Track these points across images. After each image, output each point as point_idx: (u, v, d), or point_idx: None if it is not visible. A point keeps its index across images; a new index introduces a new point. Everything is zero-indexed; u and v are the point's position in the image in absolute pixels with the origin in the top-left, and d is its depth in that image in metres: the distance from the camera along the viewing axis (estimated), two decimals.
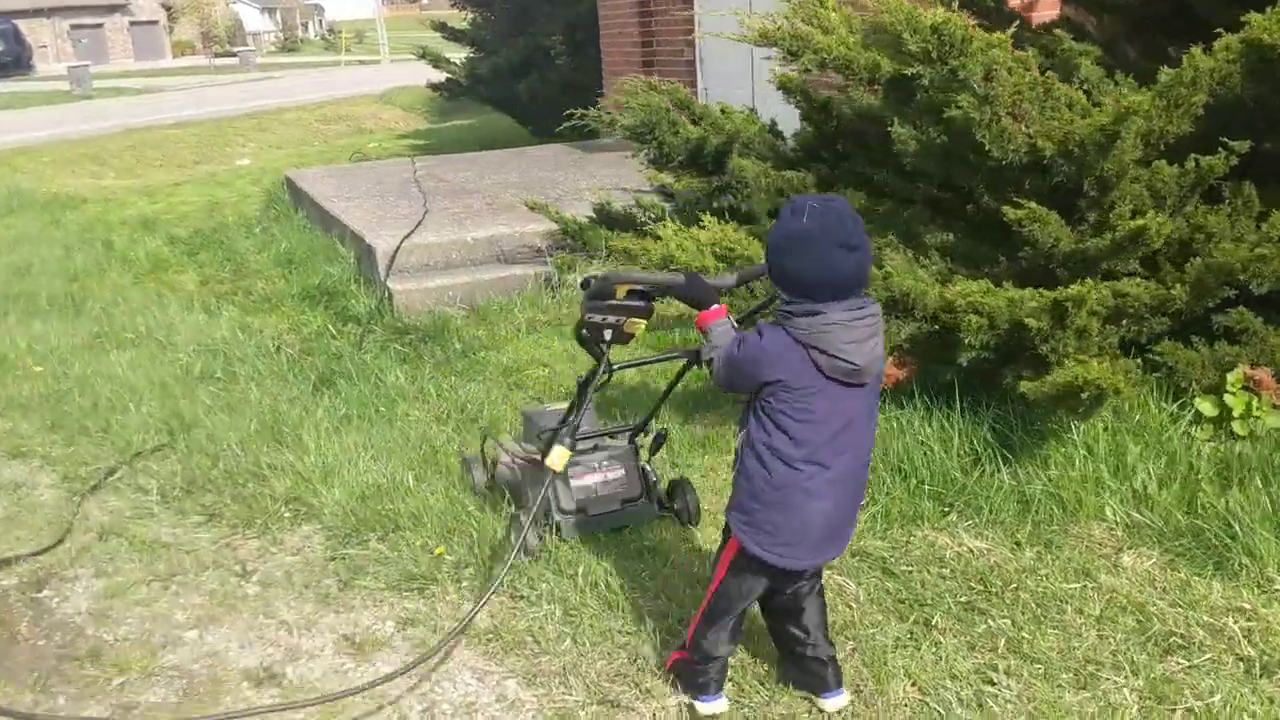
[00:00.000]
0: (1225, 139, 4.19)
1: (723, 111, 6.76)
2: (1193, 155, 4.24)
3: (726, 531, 2.98)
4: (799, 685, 3.12)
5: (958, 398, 4.34)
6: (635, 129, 6.24)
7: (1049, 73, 4.29)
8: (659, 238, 4.32)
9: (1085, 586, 3.56)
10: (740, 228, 4.90)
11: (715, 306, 2.95)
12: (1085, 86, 4.62)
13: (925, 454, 4.22)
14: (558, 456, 3.41)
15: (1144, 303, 4.07)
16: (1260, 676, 3.09)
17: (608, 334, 3.37)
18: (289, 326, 7.06)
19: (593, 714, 3.18)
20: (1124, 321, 4.17)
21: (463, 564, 3.92)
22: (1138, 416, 4.26)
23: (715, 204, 6.64)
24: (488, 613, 3.64)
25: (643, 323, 3.38)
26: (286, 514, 4.38)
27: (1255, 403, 4.28)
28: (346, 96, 26.03)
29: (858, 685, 3.18)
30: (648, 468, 4.10)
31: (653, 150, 6.43)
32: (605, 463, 4.01)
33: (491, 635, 3.56)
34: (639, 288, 3.30)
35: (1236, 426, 4.26)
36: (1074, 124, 4.06)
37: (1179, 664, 3.18)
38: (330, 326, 6.82)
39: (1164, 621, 3.34)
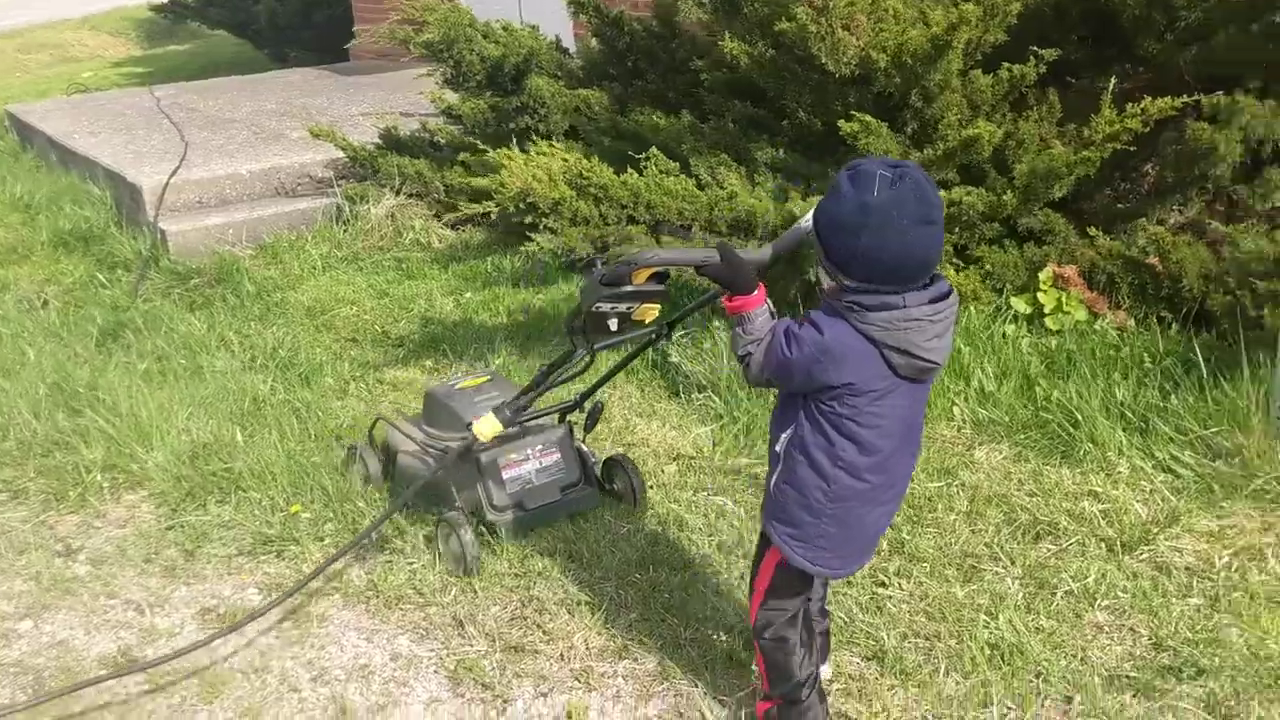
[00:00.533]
0: (1035, 48, 4.38)
1: (505, 29, 6.53)
2: (1005, 64, 4.42)
3: (764, 542, 2.57)
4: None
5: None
6: (434, 46, 5.91)
7: None
8: (501, 167, 4.10)
9: (949, 484, 3.71)
10: (590, 153, 4.69)
11: (755, 292, 2.40)
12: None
13: None
14: (486, 424, 3.08)
15: (978, 210, 4.22)
16: (1123, 554, 3.31)
17: (613, 324, 2.77)
18: (46, 277, 6.37)
19: (498, 661, 3.05)
20: (957, 229, 4.32)
21: (320, 520, 3.67)
22: (962, 320, 4.44)
23: (513, 125, 6.44)
24: (362, 569, 3.42)
25: (658, 307, 2.83)
26: (104, 483, 3.95)
27: (1064, 298, 4.56)
28: (46, 21, 23.55)
29: None
30: (584, 448, 3.67)
31: (449, 69, 6.12)
32: (538, 448, 3.55)
33: (370, 592, 3.35)
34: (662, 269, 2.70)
35: (1049, 322, 4.52)
36: (906, 35, 4.13)
37: (1049, 549, 3.37)
38: (98, 275, 6.18)
39: (1028, 511, 3.53)
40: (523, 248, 4.04)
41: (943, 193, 4.01)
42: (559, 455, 3.57)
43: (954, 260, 4.39)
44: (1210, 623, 3.02)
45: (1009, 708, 2.77)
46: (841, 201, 2.20)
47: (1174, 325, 4.33)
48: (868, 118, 4.28)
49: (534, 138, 5.99)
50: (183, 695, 2.98)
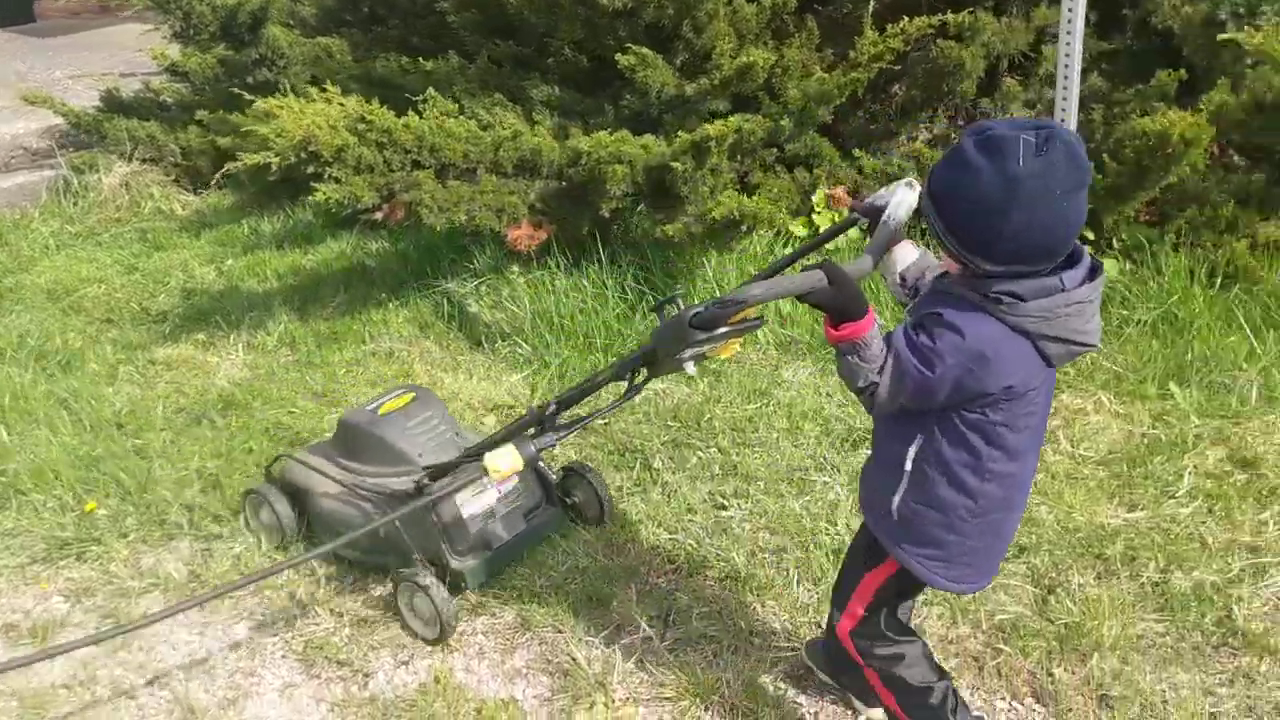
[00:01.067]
0: None
1: None
2: None
3: (874, 557, 2.27)
4: (844, 684, 2.64)
5: (599, 249, 4.38)
6: None
7: None
8: (271, 116, 3.80)
9: (766, 405, 3.81)
10: (370, 98, 4.39)
11: (866, 314, 1.99)
12: None
13: (582, 311, 4.24)
14: (506, 459, 2.42)
15: (759, 138, 4.32)
16: None
17: (690, 367, 2.34)
18: None
19: (349, 636, 2.92)
20: (739, 158, 4.41)
21: (120, 515, 3.37)
22: (743, 245, 4.55)
23: (250, 78, 6.06)
24: (180, 561, 3.18)
25: (739, 342, 2.37)
26: None
27: (837, 218, 4.76)
28: None
29: (609, 538, 3.19)
30: (539, 463, 3.05)
31: (177, 22, 5.66)
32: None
33: (195, 584, 3.11)
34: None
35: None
36: None
37: (865, 455, 3.52)
38: None
39: (841, 421, 3.69)
40: (313, 197, 3.79)
41: (720, 123, 4.06)
42: (520, 482, 3.11)
43: (715, 196, 4.44)
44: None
45: None
46: (977, 176, 1.84)
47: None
48: (644, 50, 4.28)
49: (282, 90, 5.66)
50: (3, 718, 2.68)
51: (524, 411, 3.09)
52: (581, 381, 2.64)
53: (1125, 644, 2.73)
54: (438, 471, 2.86)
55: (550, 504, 3.19)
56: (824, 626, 2.64)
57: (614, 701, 2.64)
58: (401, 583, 2.89)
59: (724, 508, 3.31)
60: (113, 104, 6.28)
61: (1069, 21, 3.87)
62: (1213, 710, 2.55)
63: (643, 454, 3.56)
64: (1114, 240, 4.40)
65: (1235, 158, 4.68)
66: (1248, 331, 3.90)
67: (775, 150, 4.54)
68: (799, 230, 4.71)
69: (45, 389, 4.06)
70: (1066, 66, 3.97)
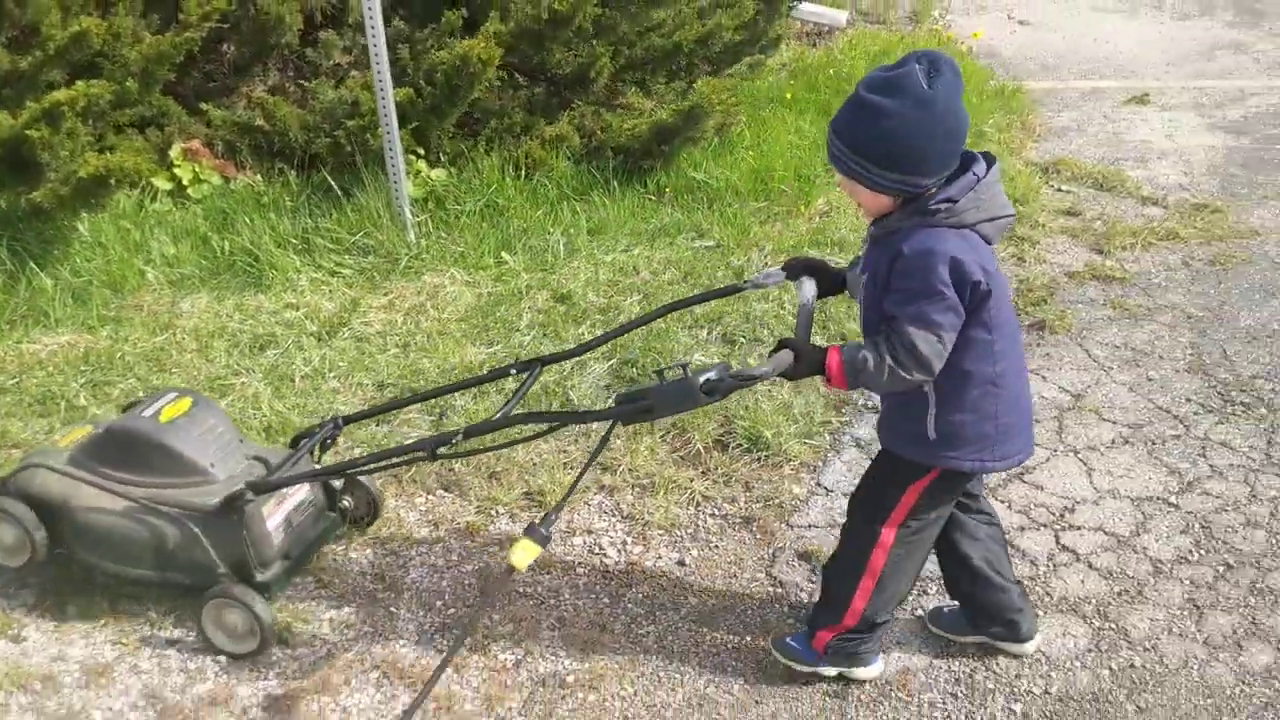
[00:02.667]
0: None
1: None
2: None
3: (913, 472, 2.51)
4: (994, 634, 2.81)
5: None
6: None
7: None
8: None
9: (172, 335, 4.22)
10: None
11: (827, 358, 2.32)
12: None
13: None
14: (524, 555, 2.35)
15: (108, 100, 4.60)
16: (331, 339, 4.18)
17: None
18: None
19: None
20: (90, 121, 4.66)
21: None
22: (117, 206, 4.83)
23: None
24: None
25: None
26: None
27: (199, 169, 5.19)
28: None
29: None
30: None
31: None
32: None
33: None
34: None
35: (191, 191, 5.12)
36: None
37: (276, 352, 4.09)
38: None
39: (247, 332, 4.21)
40: None
41: (68, 89, 4.32)
42: (307, 488, 3.04)
43: (82, 157, 4.65)
44: (408, 360, 4.05)
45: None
46: (897, 113, 2.16)
47: (293, 174, 5.20)
48: None
49: None
50: None
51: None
52: (487, 422, 2.65)
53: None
54: (261, 486, 2.81)
55: (332, 510, 3.15)
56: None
57: None
58: (210, 599, 2.81)
59: None
60: None
61: None
62: (565, 463, 3.53)
63: (64, 398, 3.82)
64: (440, 154, 5.32)
65: (519, 78, 5.82)
66: (549, 206, 5.02)
67: (126, 112, 4.84)
68: (163, 184, 5.06)
69: None
70: (371, 16, 4.70)
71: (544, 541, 2.36)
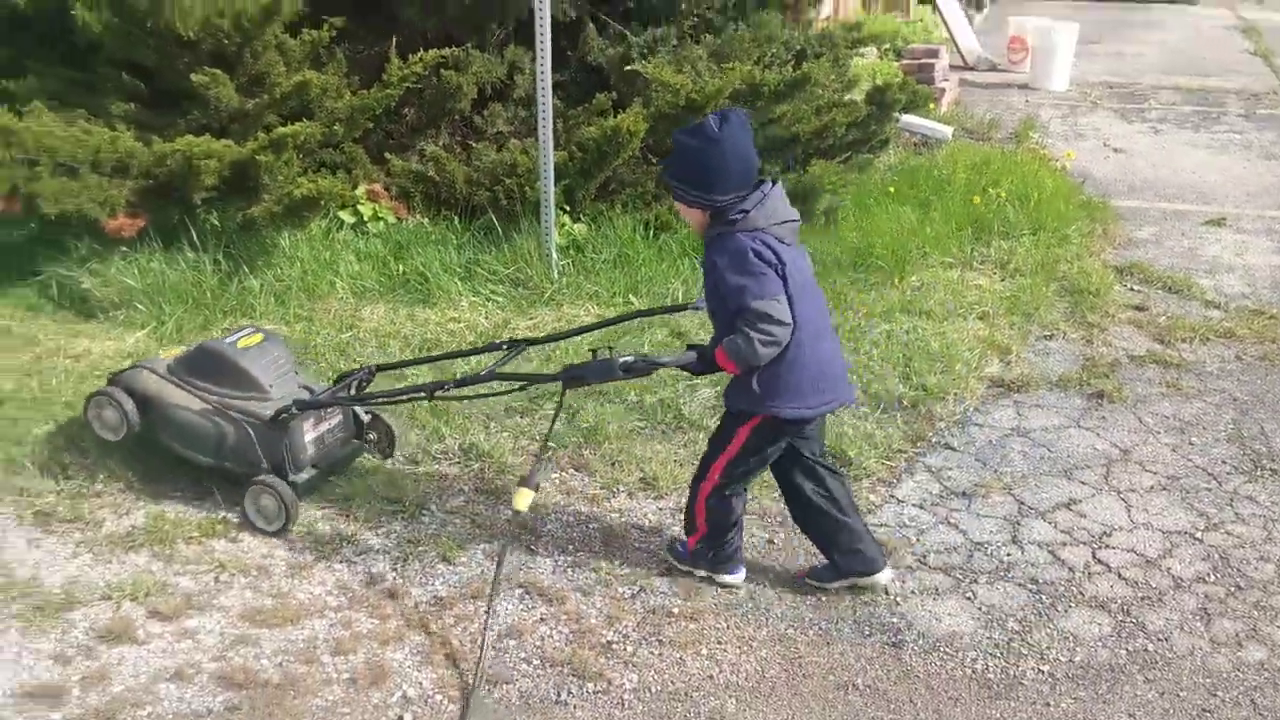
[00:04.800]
0: (326, 16, 5.78)
1: None
2: (305, 29, 5.75)
3: (735, 422, 3.28)
4: (849, 573, 3.48)
5: (192, 234, 5.32)
6: None
7: None
8: None
9: (355, 333, 5.02)
10: None
11: (716, 353, 3.12)
12: None
13: (182, 281, 5.16)
14: (523, 500, 3.13)
15: (316, 140, 5.51)
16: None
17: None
18: None
19: (70, 503, 3.74)
20: (301, 155, 5.57)
21: None
22: (311, 231, 5.72)
23: None
24: None
25: None
26: None
27: (378, 209, 6.07)
28: None
29: None
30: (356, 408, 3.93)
31: None
32: (326, 410, 3.80)
33: None
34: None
35: (370, 225, 6.00)
36: (241, 2, 5.25)
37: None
38: None
39: (419, 337, 4.99)
40: None
41: (289, 127, 5.23)
42: (340, 416, 3.86)
43: (295, 181, 5.58)
44: (550, 370, 4.77)
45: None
46: (699, 147, 3.06)
47: (457, 218, 6.05)
48: (215, 71, 5.32)
49: None
50: None
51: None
52: (472, 376, 3.52)
53: (622, 435, 4.32)
54: (302, 405, 3.63)
55: (358, 438, 3.97)
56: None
57: None
58: (254, 485, 3.63)
59: None
60: None
61: (541, 60, 5.46)
62: (676, 460, 4.20)
63: None
64: (582, 212, 6.14)
65: (651, 157, 6.64)
66: (671, 260, 5.78)
67: (329, 152, 5.75)
68: (348, 218, 5.94)
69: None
70: (542, 93, 5.55)
71: (534, 488, 3.16)
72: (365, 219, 6.01)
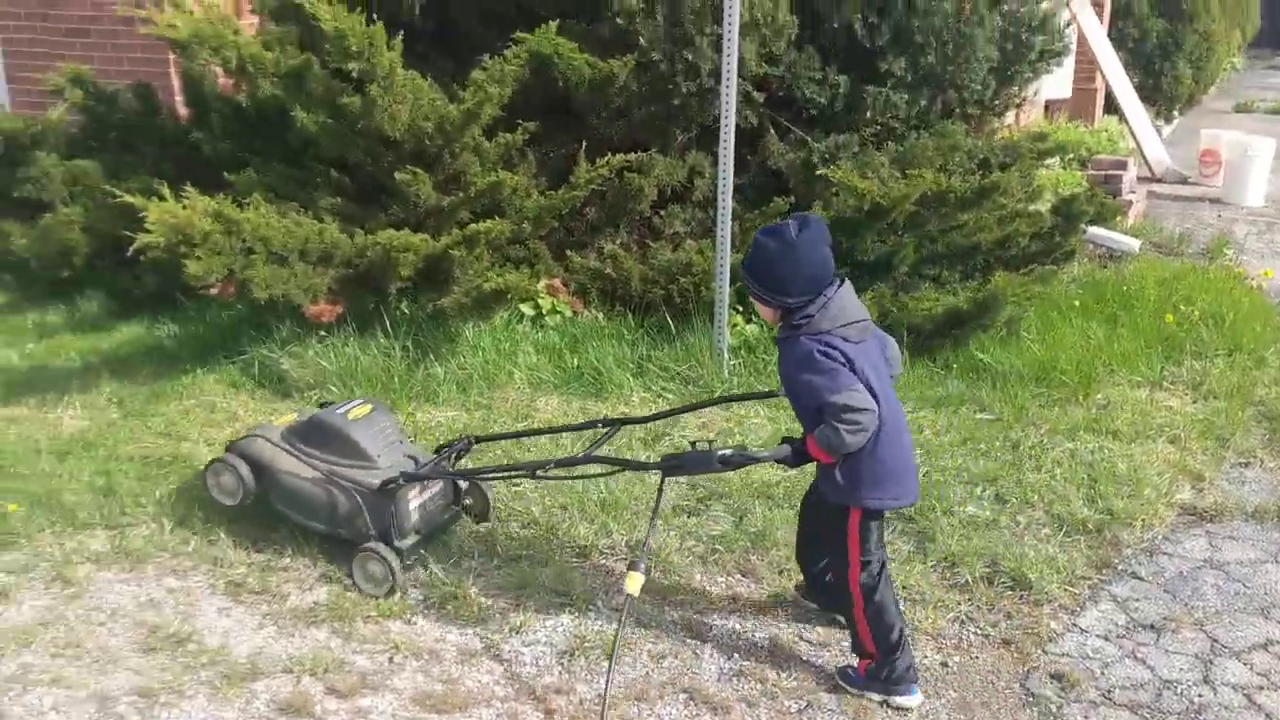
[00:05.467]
0: (520, 120, 6.04)
1: None
2: (501, 133, 6.02)
3: (839, 518, 3.35)
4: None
5: (385, 321, 5.58)
6: None
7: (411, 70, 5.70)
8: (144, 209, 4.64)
9: (530, 421, 5.13)
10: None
11: (808, 444, 3.22)
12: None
13: (373, 366, 5.40)
14: (635, 582, 3.25)
15: (505, 237, 5.73)
16: (655, 442, 4.97)
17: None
18: None
19: (259, 575, 3.91)
20: (490, 253, 5.80)
21: (33, 516, 4.15)
22: (496, 322, 5.90)
23: (16, 193, 6.74)
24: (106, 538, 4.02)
25: None
26: None
27: (556, 303, 6.24)
28: None
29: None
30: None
31: None
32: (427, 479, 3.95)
33: (118, 554, 3.98)
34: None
35: (548, 319, 6.17)
36: (445, 108, 5.55)
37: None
38: None
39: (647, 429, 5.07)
40: (187, 273, 4.76)
41: (483, 224, 5.46)
42: (441, 484, 4.03)
43: (485, 275, 5.80)
44: None
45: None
46: (777, 250, 3.16)
47: (631, 315, 6.16)
48: (416, 170, 5.61)
49: (60, 204, 6.46)
50: None
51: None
52: (570, 458, 3.75)
53: (791, 542, 4.26)
54: (409, 476, 3.80)
55: (457, 504, 4.15)
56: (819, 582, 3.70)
57: None
58: (360, 553, 3.80)
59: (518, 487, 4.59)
60: None
61: (724, 165, 5.58)
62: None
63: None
64: (753, 315, 6.15)
65: None
66: None
67: (516, 248, 5.98)
68: (528, 310, 6.12)
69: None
70: (723, 197, 5.66)
71: (645, 572, 3.27)
72: (544, 312, 6.19)
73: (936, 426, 5.27)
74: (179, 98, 6.95)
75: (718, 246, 5.62)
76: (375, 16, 5.49)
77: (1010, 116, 9.71)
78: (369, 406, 4.09)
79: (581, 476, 4.00)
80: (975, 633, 3.84)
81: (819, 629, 3.79)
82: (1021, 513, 4.58)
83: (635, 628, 3.76)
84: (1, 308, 6.43)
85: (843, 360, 3.13)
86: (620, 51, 6.11)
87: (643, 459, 4.64)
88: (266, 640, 3.61)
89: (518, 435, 4.68)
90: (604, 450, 3.84)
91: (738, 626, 3.80)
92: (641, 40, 6.11)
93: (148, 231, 4.65)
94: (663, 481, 3.44)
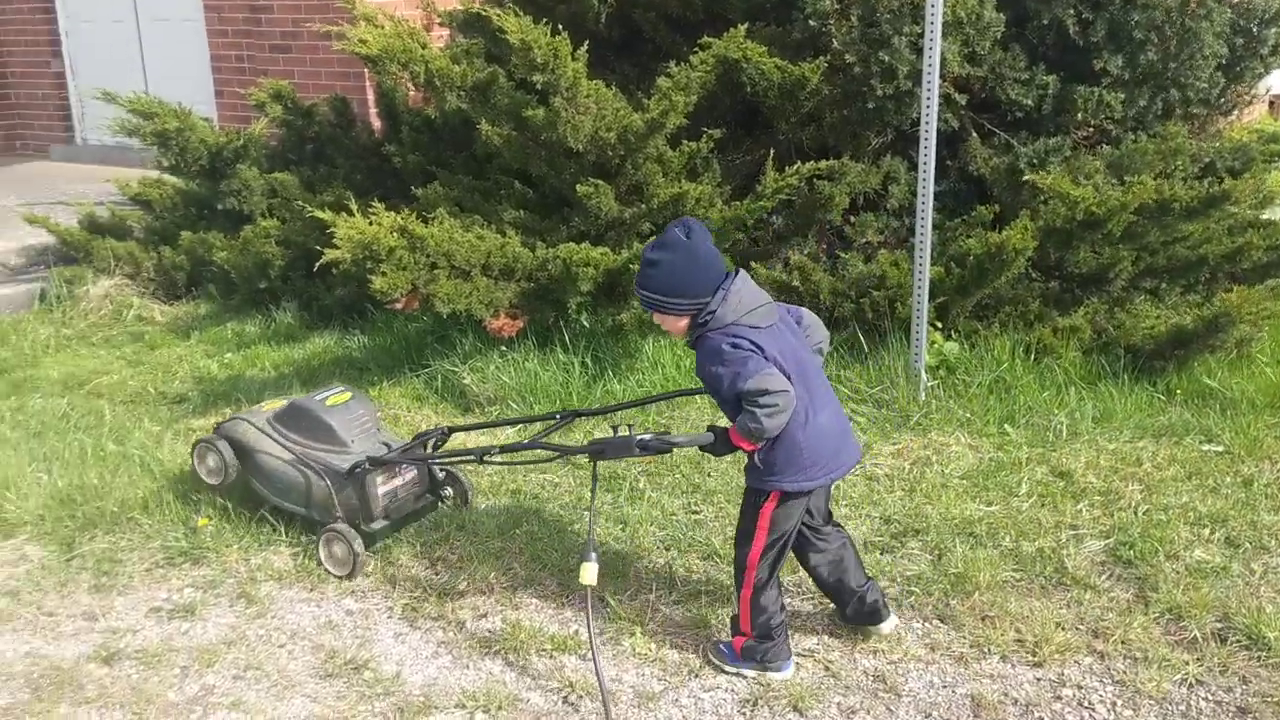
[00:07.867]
0: (705, 128, 5.84)
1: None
2: (685, 141, 5.84)
3: (754, 499, 3.37)
4: (856, 622, 3.67)
5: (564, 336, 5.49)
6: (161, 135, 6.38)
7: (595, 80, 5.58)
8: (332, 225, 4.71)
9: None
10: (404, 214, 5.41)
11: (728, 433, 3.26)
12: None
13: (553, 381, 5.31)
14: (589, 573, 3.31)
15: None
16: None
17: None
18: None
19: (436, 600, 3.83)
20: None
21: (222, 530, 4.20)
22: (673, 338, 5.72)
23: (221, 206, 6.97)
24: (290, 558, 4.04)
25: None
26: None
27: None
28: None
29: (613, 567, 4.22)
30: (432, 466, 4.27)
31: (173, 156, 6.57)
32: (404, 467, 4.11)
33: (300, 574, 3.98)
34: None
35: None
36: (629, 118, 5.40)
37: None
38: None
39: None
40: (372, 288, 4.79)
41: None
42: (415, 472, 4.17)
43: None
44: (912, 503, 4.46)
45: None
46: (670, 259, 3.20)
47: None
48: (598, 182, 5.49)
49: (259, 217, 6.64)
50: (183, 665, 3.48)
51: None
52: (515, 444, 3.87)
53: (994, 585, 3.92)
54: (376, 461, 3.95)
55: (431, 494, 4.29)
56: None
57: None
58: (327, 532, 3.95)
59: (695, 512, 4.40)
60: (92, 226, 7.06)
61: (924, 171, 5.25)
62: (1057, 623, 3.76)
63: (623, 480, 4.61)
64: (954, 330, 5.80)
65: (1032, 272, 6.20)
66: (1055, 390, 5.30)
67: None
68: None
69: (115, 449, 4.82)
70: (923, 204, 5.33)
71: (595, 560, 3.31)
72: None
73: (1158, 459, 4.80)
74: (373, 110, 7.07)
75: (916, 257, 5.29)
76: (560, 27, 5.40)
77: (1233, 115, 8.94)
78: (348, 394, 4.25)
79: (524, 462, 4.35)
80: (1206, 699, 3.42)
81: (1027, 686, 3.45)
82: (1256, 559, 4.10)
83: (824, 674, 3.51)
84: (204, 318, 6.65)
85: (752, 347, 3.16)
86: (811, 54, 5.85)
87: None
88: (440, 670, 3.52)
89: (491, 425, 4.81)
90: (555, 439, 3.95)
91: (937, 680, 3.50)
92: (834, 42, 5.82)
93: (335, 247, 4.67)
94: (595, 466, 3.52)
